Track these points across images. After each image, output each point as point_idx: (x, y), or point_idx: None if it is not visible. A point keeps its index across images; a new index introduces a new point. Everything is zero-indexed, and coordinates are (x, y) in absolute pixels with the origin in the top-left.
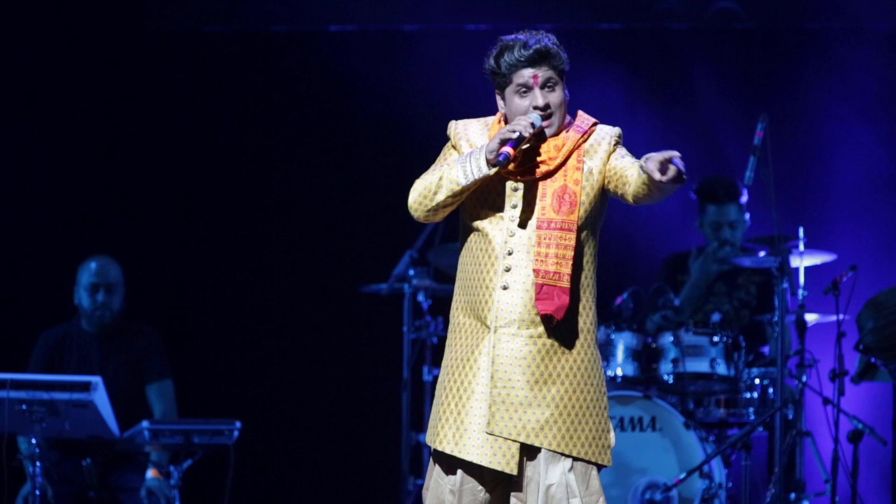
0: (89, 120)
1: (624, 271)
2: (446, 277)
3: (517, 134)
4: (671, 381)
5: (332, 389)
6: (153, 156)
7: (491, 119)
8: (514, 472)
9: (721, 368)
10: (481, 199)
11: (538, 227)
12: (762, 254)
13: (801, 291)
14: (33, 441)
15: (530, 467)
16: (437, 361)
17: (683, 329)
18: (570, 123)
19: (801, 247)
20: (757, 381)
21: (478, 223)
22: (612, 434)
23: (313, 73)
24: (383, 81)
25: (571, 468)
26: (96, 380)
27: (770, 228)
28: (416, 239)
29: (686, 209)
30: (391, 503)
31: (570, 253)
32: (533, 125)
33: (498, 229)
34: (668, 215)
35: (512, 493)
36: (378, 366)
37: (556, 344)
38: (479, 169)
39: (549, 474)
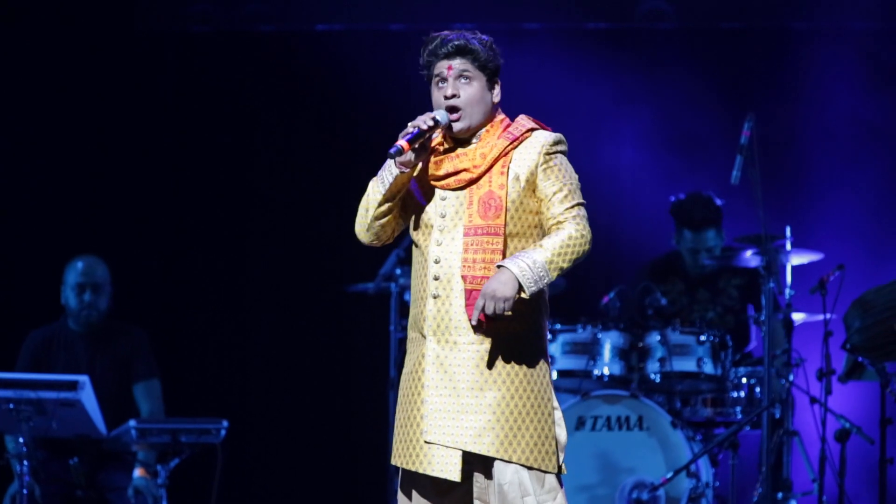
0: (78, 120)
1: (610, 270)
2: None
3: (415, 128)
4: (658, 380)
5: (319, 388)
6: (141, 156)
7: None
8: (458, 479)
9: (708, 367)
10: (416, 211)
11: (465, 234)
12: (749, 253)
13: (788, 290)
14: (20, 440)
15: (478, 485)
16: None
17: (670, 328)
18: (505, 127)
19: (788, 246)
20: (744, 380)
21: (414, 235)
22: (563, 436)
23: (301, 73)
24: (371, 81)
25: (524, 467)
26: (83, 379)
27: (757, 227)
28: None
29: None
30: (378, 502)
31: (498, 258)
32: (435, 119)
33: (429, 240)
34: (656, 214)
35: (475, 498)
36: (365, 365)
37: (491, 350)
38: (390, 173)
39: (502, 474)
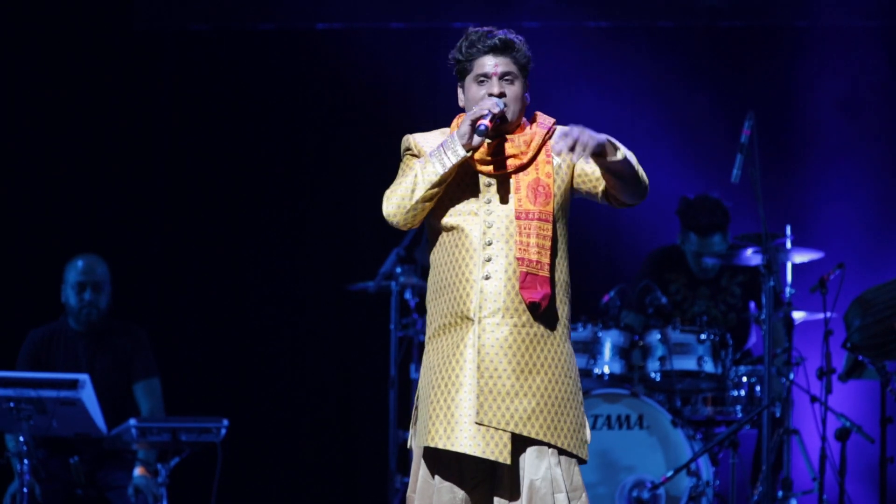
0: (77, 119)
1: (610, 269)
2: None
3: (487, 112)
4: (658, 378)
5: (319, 387)
6: (141, 154)
7: (447, 129)
8: (508, 462)
9: (708, 366)
10: (454, 197)
11: (517, 218)
12: (749, 252)
13: (788, 289)
14: (21, 439)
15: (514, 463)
16: None
17: (670, 327)
18: (533, 120)
19: (789, 244)
20: (744, 378)
21: (451, 221)
22: (588, 430)
23: (301, 71)
24: (371, 80)
25: (557, 463)
26: (84, 378)
27: (757, 226)
28: (403, 237)
29: (674, 204)
30: (379, 501)
31: (549, 243)
32: (498, 106)
33: (474, 224)
34: (656, 213)
35: (494, 496)
36: (365, 364)
37: (539, 333)
38: (455, 154)
39: (534, 469)
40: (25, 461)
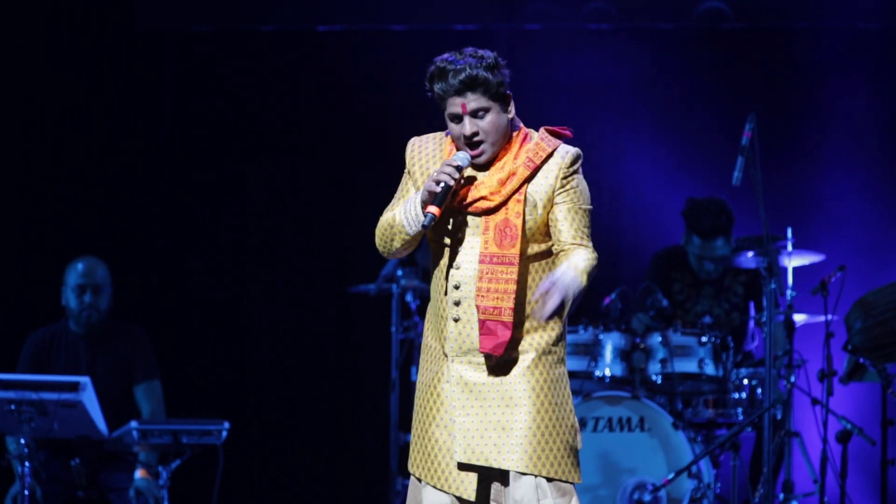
0: (77, 120)
1: (612, 271)
2: None
3: (441, 186)
4: (659, 381)
5: (320, 390)
6: (142, 156)
7: (443, 136)
8: (472, 498)
9: (709, 369)
10: (437, 229)
11: (480, 262)
12: (750, 254)
13: (789, 292)
14: (22, 441)
15: (495, 487)
16: None
17: (672, 329)
18: (523, 142)
19: (790, 247)
20: (745, 381)
21: (435, 250)
22: (579, 439)
23: (302, 73)
24: (372, 82)
25: (544, 484)
26: (85, 380)
27: (758, 228)
28: None
29: (675, 206)
30: (380, 503)
31: (513, 287)
32: (458, 167)
33: (448, 261)
34: (658, 215)
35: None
36: (366, 366)
37: (513, 369)
38: (417, 221)
39: (517, 490)
40: (27, 463)
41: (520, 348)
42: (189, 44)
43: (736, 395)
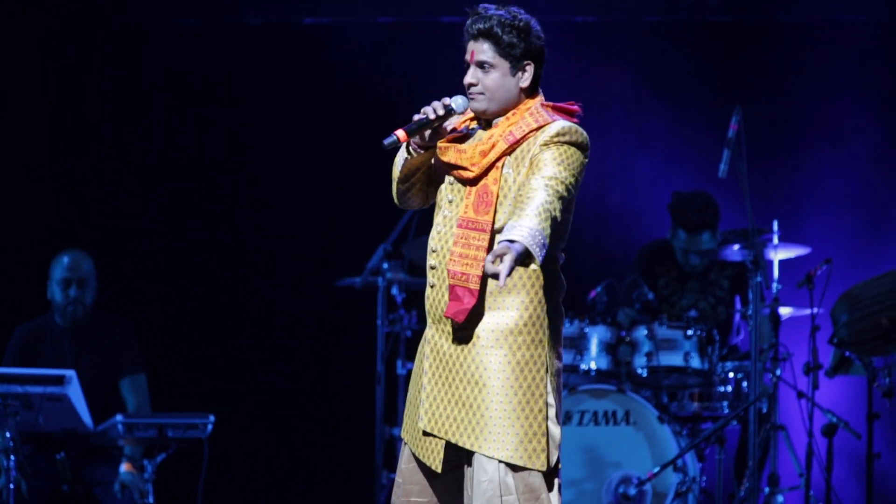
0: (62, 113)
1: (598, 264)
2: (420, 271)
3: (423, 116)
4: (645, 374)
5: (306, 383)
6: (127, 148)
7: None
8: (439, 470)
9: (695, 362)
10: (437, 189)
11: (458, 226)
12: (736, 247)
13: (775, 285)
14: (7, 435)
15: (468, 462)
16: (410, 355)
17: (657, 323)
18: (523, 109)
19: (776, 240)
20: (731, 374)
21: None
22: (557, 431)
23: (288, 65)
24: (359, 74)
25: (507, 471)
26: (70, 373)
27: (744, 221)
28: (390, 232)
29: (661, 200)
30: (365, 496)
31: (483, 254)
32: (448, 108)
33: (433, 225)
34: (643, 208)
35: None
36: (352, 359)
37: (484, 343)
38: (402, 157)
39: (482, 469)
40: (12, 457)
41: (487, 325)
42: (173, 36)
43: (721, 389)
